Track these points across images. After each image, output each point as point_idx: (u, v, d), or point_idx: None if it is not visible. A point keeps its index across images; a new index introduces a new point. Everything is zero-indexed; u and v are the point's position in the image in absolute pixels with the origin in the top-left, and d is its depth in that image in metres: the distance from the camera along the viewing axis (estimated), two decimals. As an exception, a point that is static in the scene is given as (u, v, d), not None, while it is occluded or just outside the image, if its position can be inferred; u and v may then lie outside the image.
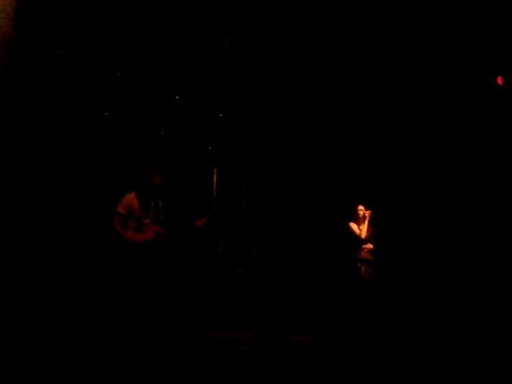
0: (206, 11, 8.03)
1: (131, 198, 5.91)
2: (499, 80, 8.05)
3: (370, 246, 7.45)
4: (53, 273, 6.82)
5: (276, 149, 9.06)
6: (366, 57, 8.37)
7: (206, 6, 7.97)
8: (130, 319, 5.65)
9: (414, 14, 7.84)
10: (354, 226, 7.50)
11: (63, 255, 7.02)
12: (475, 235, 7.66)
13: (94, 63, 7.79)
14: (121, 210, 5.81)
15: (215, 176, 8.86)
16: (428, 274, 7.63)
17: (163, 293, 6.37)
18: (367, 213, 7.48)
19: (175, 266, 7.40)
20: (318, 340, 6.39)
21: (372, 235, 7.51)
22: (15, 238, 6.32)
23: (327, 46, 8.37)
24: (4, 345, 4.87)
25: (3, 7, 6.49)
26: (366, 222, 7.47)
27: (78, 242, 7.17)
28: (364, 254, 7.39)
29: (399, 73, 8.31)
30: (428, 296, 7.29)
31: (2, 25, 6.48)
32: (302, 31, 8.23)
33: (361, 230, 7.49)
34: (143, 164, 6.18)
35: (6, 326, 5.32)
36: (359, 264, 7.32)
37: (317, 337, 6.51)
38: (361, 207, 7.56)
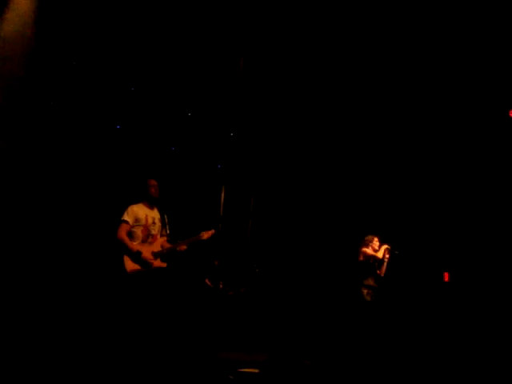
0: (222, 30, 8.10)
1: (138, 207, 5.90)
2: (511, 113, 8.12)
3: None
4: (55, 282, 6.80)
5: (285, 170, 9.07)
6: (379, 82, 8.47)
7: (222, 26, 8.05)
8: (131, 334, 5.59)
9: (432, 44, 7.92)
10: (368, 250, 7.43)
11: (67, 265, 7.01)
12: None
13: (109, 77, 7.85)
14: (127, 219, 5.77)
15: (223, 194, 8.84)
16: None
17: (165, 310, 6.32)
18: (384, 248, 7.42)
19: (178, 282, 7.36)
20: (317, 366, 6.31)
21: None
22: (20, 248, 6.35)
23: (340, 69, 8.43)
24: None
25: (22, 18, 6.61)
26: (386, 262, 7.42)
27: (84, 254, 7.16)
28: (370, 281, 7.31)
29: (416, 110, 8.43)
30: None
31: (20, 34, 6.58)
32: (315, 53, 8.30)
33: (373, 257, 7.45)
34: (152, 177, 6.14)
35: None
36: (365, 291, 7.23)
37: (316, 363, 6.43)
38: (376, 239, 7.51)
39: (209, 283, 8.33)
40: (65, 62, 7.49)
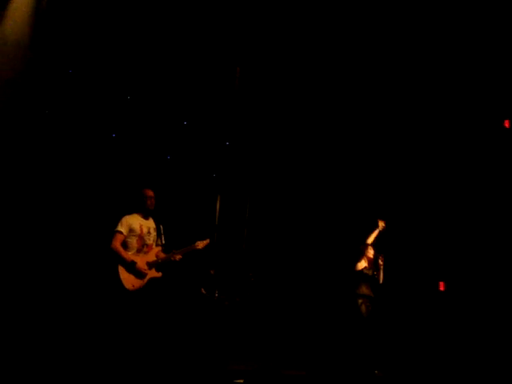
0: (218, 39, 8.12)
1: (132, 217, 5.88)
2: (506, 124, 8.13)
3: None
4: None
5: (280, 179, 9.06)
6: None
7: (218, 35, 8.06)
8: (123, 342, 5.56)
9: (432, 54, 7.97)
10: (361, 262, 7.44)
11: (61, 276, 6.97)
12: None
13: (105, 85, 7.84)
14: (121, 229, 5.75)
15: (218, 203, 8.82)
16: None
17: (160, 320, 6.30)
18: (381, 258, 7.44)
19: (173, 291, 7.33)
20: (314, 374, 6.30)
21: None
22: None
23: (337, 78, 8.45)
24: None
25: (20, 27, 6.60)
26: (382, 268, 7.43)
27: (78, 263, 7.12)
28: (365, 290, 7.30)
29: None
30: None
31: (16, 40, 6.57)
32: (310, 63, 8.31)
33: (366, 267, 7.44)
34: (147, 186, 6.12)
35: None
36: (360, 300, 7.22)
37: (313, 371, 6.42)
38: (371, 251, 7.52)
39: (204, 292, 8.29)
40: (61, 70, 7.48)
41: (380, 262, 7.44)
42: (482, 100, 8.23)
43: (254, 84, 8.67)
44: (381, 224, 7.48)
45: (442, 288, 8.57)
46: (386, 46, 8.05)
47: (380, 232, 7.49)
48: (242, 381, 5.43)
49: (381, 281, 7.47)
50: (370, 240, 7.47)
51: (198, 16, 7.70)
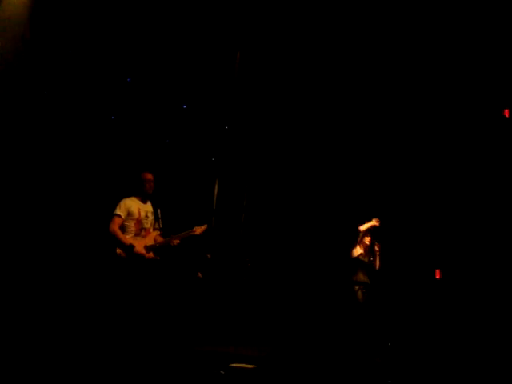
0: (219, 24, 8.06)
1: (131, 201, 5.87)
2: (506, 113, 8.13)
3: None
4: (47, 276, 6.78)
5: (278, 165, 9.06)
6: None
7: (219, 19, 8.00)
8: (120, 325, 5.58)
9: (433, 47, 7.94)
10: (357, 249, 7.47)
11: (60, 259, 6.98)
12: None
13: (104, 67, 7.80)
14: (120, 212, 5.75)
15: (216, 188, 8.82)
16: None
17: (156, 303, 6.31)
18: (377, 245, 7.49)
19: (170, 274, 7.35)
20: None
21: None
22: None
23: (336, 64, 8.42)
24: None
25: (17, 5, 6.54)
26: (378, 255, 7.48)
27: (75, 247, 7.13)
28: (362, 277, 7.34)
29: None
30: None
31: (16, 23, 6.52)
32: (310, 48, 8.27)
33: (361, 254, 7.47)
34: (146, 170, 6.10)
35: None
36: (356, 287, 7.27)
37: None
38: (367, 238, 7.55)
39: (201, 276, 8.32)
40: (60, 51, 7.43)
41: (376, 249, 7.49)
42: (481, 90, 8.22)
43: (254, 69, 8.63)
44: (375, 220, 7.50)
45: (437, 276, 8.62)
46: (384, 35, 8.02)
47: (373, 226, 7.50)
48: (250, 366, 5.46)
49: (377, 267, 7.52)
50: (363, 228, 7.49)
51: (200, 0, 7.64)
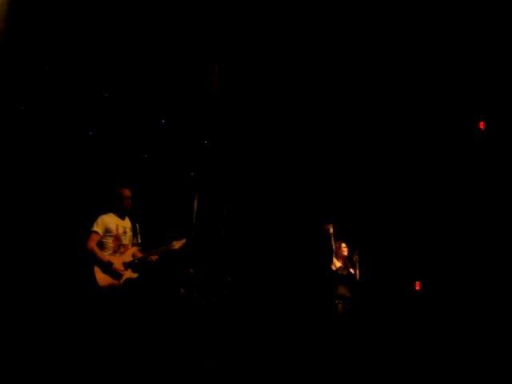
0: (197, 38, 8.08)
1: (108, 217, 5.81)
2: (481, 125, 8.23)
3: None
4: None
5: (258, 178, 9.06)
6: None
7: (197, 34, 8.02)
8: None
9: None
10: (335, 263, 7.46)
11: (35, 277, 6.87)
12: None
13: (82, 82, 7.75)
14: (97, 229, 5.69)
15: (196, 202, 8.79)
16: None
17: (137, 320, 6.25)
18: (355, 256, 7.48)
19: (151, 290, 7.29)
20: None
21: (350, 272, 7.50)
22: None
23: (313, 80, 8.48)
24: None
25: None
26: (357, 266, 7.47)
27: (53, 264, 7.03)
28: (342, 291, 7.33)
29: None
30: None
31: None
32: (289, 63, 8.33)
33: (340, 267, 7.45)
34: (124, 185, 6.05)
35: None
36: (337, 301, 7.26)
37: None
38: (344, 245, 7.55)
39: (183, 292, 8.26)
40: (37, 66, 7.38)
41: (354, 260, 7.47)
42: (456, 102, 8.32)
43: (233, 83, 8.65)
44: (328, 228, 7.49)
45: (418, 287, 8.65)
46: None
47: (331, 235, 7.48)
48: None
49: (357, 278, 7.50)
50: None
51: (178, 15, 7.65)
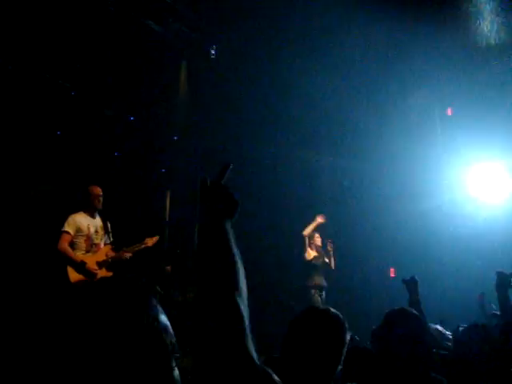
0: (166, 35, 8.03)
1: (79, 217, 5.74)
2: (449, 112, 8.33)
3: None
4: None
5: (230, 173, 9.03)
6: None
7: (166, 30, 7.97)
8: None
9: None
10: (309, 253, 7.50)
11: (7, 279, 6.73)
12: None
13: (48, 81, 7.63)
14: (68, 229, 5.61)
15: (168, 199, 8.73)
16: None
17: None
18: (329, 244, 7.53)
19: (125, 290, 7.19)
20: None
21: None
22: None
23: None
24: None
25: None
26: (332, 254, 7.53)
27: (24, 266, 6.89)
28: (317, 280, 7.38)
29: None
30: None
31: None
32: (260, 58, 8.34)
33: (315, 256, 7.49)
34: (95, 184, 5.96)
35: None
36: (312, 291, 7.30)
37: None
38: (317, 235, 7.60)
39: (159, 290, 8.20)
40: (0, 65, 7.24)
41: (329, 248, 7.53)
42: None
43: (202, 78, 8.61)
44: (319, 219, 7.55)
45: (392, 274, 8.75)
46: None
47: (319, 224, 7.54)
48: None
49: (333, 266, 7.54)
50: (307, 232, 7.50)
51: (147, 11, 7.59)
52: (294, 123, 8.96)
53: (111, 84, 8.08)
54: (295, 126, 9.00)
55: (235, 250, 1.65)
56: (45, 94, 7.62)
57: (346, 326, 2.28)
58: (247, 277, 1.62)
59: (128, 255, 5.83)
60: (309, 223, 7.54)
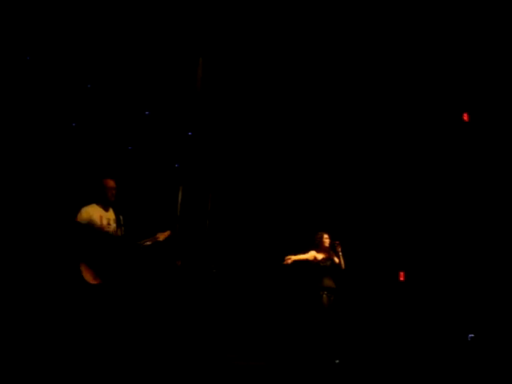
0: (182, 29, 8.04)
1: (92, 208, 5.76)
2: (465, 117, 8.29)
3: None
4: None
5: (243, 170, 9.05)
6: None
7: (181, 24, 7.98)
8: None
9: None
10: (315, 254, 7.46)
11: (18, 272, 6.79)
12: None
13: (65, 73, 7.68)
14: (81, 220, 5.64)
15: (180, 194, 8.74)
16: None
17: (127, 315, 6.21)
18: (338, 245, 7.50)
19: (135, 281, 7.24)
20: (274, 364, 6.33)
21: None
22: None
23: (296, 72, 8.49)
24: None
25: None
26: (341, 255, 7.49)
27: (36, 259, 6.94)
28: (326, 282, 7.35)
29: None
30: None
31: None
32: (273, 54, 8.32)
33: (323, 258, 7.45)
34: (108, 176, 5.99)
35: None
36: (321, 292, 7.27)
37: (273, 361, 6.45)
38: (326, 236, 7.55)
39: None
40: (18, 57, 7.29)
41: (338, 249, 7.50)
42: (440, 94, 8.38)
43: (217, 74, 8.62)
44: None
45: (401, 278, 8.71)
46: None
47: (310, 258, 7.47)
48: None
49: (343, 267, 7.51)
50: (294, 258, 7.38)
51: (162, 4, 7.60)
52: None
53: (127, 78, 8.12)
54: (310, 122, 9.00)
55: None
56: (61, 85, 7.68)
57: None
58: (255, 279, 1.61)
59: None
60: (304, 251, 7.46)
